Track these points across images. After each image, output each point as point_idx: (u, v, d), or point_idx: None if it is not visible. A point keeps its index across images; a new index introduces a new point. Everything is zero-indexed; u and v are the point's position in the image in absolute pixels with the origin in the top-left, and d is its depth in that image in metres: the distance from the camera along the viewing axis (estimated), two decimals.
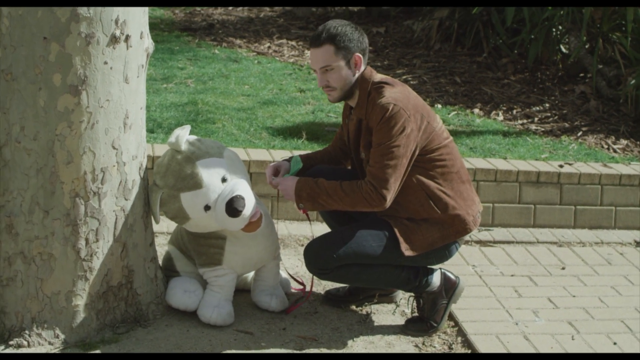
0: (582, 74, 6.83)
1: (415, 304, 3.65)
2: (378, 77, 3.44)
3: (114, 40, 3.15)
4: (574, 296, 4.03)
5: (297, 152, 4.61)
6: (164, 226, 4.38)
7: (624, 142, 5.74)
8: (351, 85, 3.41)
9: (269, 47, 7.65)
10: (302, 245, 4.37)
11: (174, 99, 5.86)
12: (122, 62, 3.20)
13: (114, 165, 3.25)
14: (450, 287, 3.60)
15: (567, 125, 5.98)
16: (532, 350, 3.47)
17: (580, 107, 6.29)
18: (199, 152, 3.37)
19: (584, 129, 5.92)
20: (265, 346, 3.36)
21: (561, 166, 5.03)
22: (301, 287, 3.84)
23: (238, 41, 7.79)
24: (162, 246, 4.06)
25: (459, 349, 3.49)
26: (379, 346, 3.45)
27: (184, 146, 3.37)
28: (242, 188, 3.35)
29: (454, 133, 5.52)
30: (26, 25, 3.05)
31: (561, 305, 3.92)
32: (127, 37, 3.20)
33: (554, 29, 6.90)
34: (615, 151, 5.57)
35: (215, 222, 3.36)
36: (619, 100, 6.30)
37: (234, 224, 3.35)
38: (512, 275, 4.24)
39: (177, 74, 6.55)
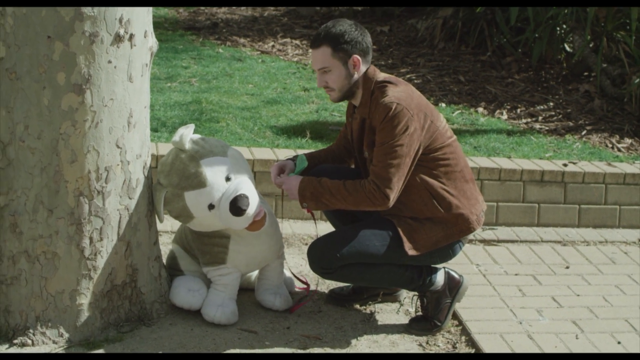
0: (586, 73, 6.82)
1: (419, 303, 3.65)
2: (381, 76, 3.43)
3: (118, 39, 3.15)
4: (578, 295, 4.02)
5: (301, 151, 4.60)
6: (167, 225, 4.38)
7: (628, 141, 5.73)
8: (350, 86, 3.40)
9: (273, 46, 7.65)
10: (307, 244, 4.37)
11: (178, 98, 5.86)
12: (126, 61, 3.20)
13: (118, 164, 3.25)
14: (454, 286, 3.60)
15: (571, 124, 5.97)
16: (536, 350, 3.47)
17: (585, 106, 6.28)
18: (203, 151, 3.37)
19: (588, 127, 5.91)
20: (269, 345, 3.36)
21: (565, 165, 5.02)
22: (305, 286, 3.84)
23: (242, 40, 7.79)
24: (166, 245, 4.06)
25: (463, 348, 3.49)
26: (382, 345, 3.45)
27: (188, 145, 3.37)
28: (246, 187, 3.35)
29: (458, 132, 5.51)
30: (30, 24, 3.04)
31: (565, 304, 3.92)
32: (131, 36, 3.19)
33: (558, 28, 6.89)
34: (619, 150, 5.56)
35: (219, 221, 3.36)
36: (623, 99, 6.29)
37: (237, 222, 3.35)
38: (516, 274, 4.23)
39: (181, 73, 6.55)
